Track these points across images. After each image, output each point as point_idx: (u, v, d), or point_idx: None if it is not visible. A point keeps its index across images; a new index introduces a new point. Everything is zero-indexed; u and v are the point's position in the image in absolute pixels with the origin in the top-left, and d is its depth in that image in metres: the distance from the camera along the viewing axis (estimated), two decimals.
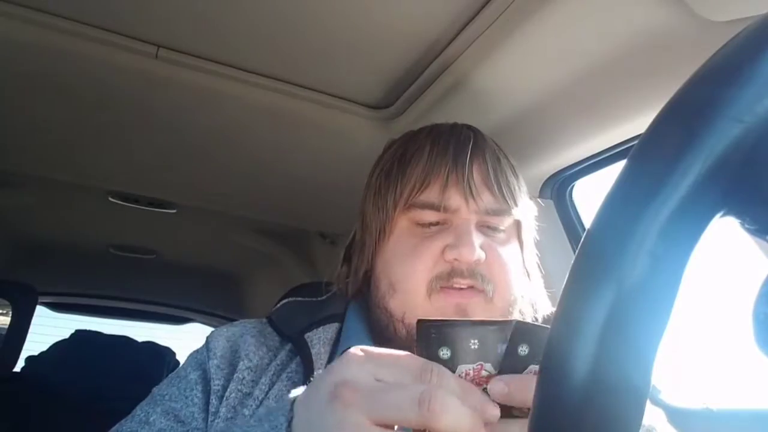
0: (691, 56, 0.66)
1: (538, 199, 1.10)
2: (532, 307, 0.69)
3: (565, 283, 0.25)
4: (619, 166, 0.26)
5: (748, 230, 0.25)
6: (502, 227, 0.66)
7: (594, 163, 0.99)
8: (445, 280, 0.61)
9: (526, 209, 0.70)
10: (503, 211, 0.66)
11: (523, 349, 0.38)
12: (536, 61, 0.80)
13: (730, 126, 0.23)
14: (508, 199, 0.66)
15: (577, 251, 0.26)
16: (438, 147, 0.67)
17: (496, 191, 0.65)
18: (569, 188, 1.10)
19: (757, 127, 0.23)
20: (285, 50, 0.90)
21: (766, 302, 0.25)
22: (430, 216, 0.65)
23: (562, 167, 1.03)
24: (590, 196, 1.10)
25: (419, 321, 0.39)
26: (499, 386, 0.38)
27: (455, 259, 0.61)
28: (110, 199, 1.62)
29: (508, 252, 0.66)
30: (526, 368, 0.39)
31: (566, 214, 1.10)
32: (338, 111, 1.06)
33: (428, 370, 0.37)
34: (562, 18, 0.71)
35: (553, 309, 0.68)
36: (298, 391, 0.42)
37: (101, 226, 2.01)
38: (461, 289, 0.61)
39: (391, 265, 0.65)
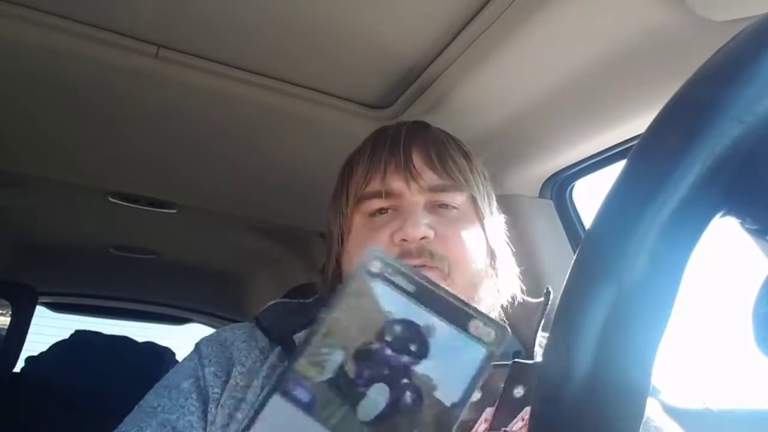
0: (691, 56, 0.66)
1: (538, 199, 1.10)
2: (496, 287, 0.67)
3: (565, 283, 0.25)
4: (619, 166, 0.26)
5: (749, 230, 0.25)
6: (454, 204, 0.67)
7: (594, 163, 0.99)
8: None
9: (480, 187, 0.70)
10: (449, 187, 0.66)
11: (519, 391, 0.34)
12: (535, 63, 0.80)
13: (730, 126, 0.23)
14: (454, 176, 0.67)
15: (577, 251, 0.26)
16: (378, 143, 0.71)
17: (440, 169, 0.67)
18: (569, 188, 1.10)
19: (757, 127, 0.23)
20: (285, 50, 0.90)
21: (766, 302, 0.25)
22: (376, 204, 0.66)
23: (562, 167, 1.03)
24: (590, 196, 1.10)
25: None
26: None
27: (403, 240, 0.62)
28: (110, 199, 1.62)
29: (463, 228, 0.66)
30: (520, 412, 0.34)
31: (566, 214, 1.10)
32: (338, 110, 1.06)
33: None
34: (561, 18, 0.71)
35: (524, 290, 0.68)
36: None
37: (101, 226, 2.00)
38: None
39: (350, 260, 0.68)
